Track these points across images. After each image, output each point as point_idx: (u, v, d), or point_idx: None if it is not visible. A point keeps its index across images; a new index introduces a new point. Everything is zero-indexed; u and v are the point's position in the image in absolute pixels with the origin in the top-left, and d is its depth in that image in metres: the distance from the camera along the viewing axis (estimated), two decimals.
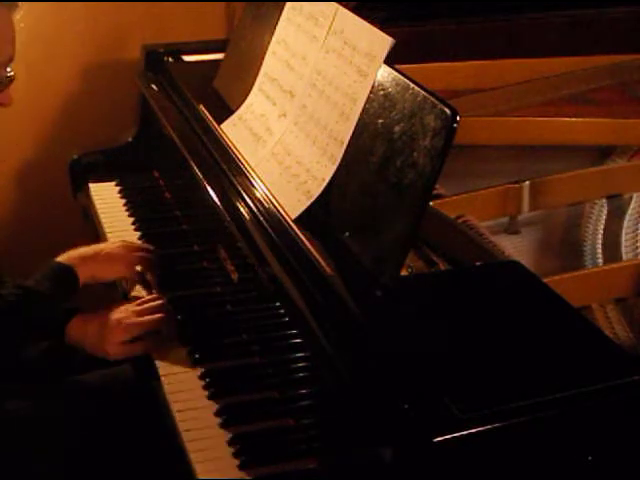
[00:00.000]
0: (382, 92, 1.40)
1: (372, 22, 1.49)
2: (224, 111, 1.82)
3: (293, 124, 1.60)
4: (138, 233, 1.96)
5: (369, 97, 1.42)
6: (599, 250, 1.65)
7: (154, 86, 2.16)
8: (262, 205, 1.53)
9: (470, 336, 1.21)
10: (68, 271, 1.65)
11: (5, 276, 1.68)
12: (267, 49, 1.76)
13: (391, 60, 1.42)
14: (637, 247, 1.65)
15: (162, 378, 1.51)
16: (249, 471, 1.31)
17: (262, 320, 1.52)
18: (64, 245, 1.85)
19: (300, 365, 1.39)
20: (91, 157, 2.25)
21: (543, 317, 1.27)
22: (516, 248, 1.64)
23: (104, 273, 1.70)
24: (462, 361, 1.16)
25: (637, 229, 1.70)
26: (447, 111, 1.25)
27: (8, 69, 1.60)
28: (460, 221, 1.64)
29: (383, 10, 2.07)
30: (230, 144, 1.72)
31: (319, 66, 1.57)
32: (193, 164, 1.79)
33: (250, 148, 1.67)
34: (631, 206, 1.78)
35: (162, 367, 1.54)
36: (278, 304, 1.42)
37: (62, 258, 1.68)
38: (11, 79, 1.62)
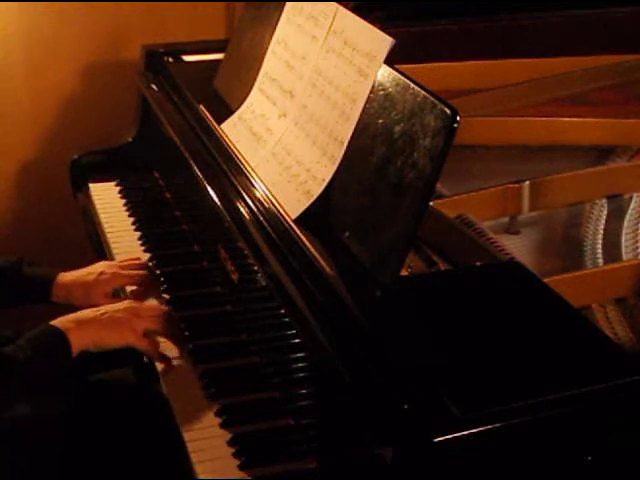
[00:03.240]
0: (382, 92, 1.40)
1: (372, 22, 1.49)
2: (224, 111, 1.82)
3: (293, 124, 1.60)
4: (138, 233, 1.96)
5: (369, 97, 1.42)
6: (599, 250, 1.65)
7: (154, 86, 2.16)
8: (262, 205, 1.53)
9: (470, 336, 1.21)
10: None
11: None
12: (267, 49, 1.76)
13: (391, 60, 1.42)
14: (637, 247, 1.65)
15: (162, 378, 1.51)
16: (249, 471, 1.31)
17: (262, 320, 1.52)
18: (64, 245, 1.86)
19: (300, 365, 1.39)
20: (91, 157, 2.25)
21: (543, 317, 1.27)
22: (516, 248, 1.64)
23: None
24: (462, 361, 1.16)
25: (637, 229, 1.70)
26: (447, 111, 1.25)
27: None
28: (460, 219, 1.64)
29: (383, 10, 2.07)
30: (230, 144, 1.72)
31: (319, 66, 1.57)
32: (193, 164, 1.79)
33: (250, 148, 1.67)
34: (631, 206, 1.78)
35: (162, 368, 1.54)
36: (278, 304, 1.42)
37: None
38: None
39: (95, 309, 1.55)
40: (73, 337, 1.47)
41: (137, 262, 1.81)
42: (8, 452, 1.40)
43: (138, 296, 1.73)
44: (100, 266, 1.76)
